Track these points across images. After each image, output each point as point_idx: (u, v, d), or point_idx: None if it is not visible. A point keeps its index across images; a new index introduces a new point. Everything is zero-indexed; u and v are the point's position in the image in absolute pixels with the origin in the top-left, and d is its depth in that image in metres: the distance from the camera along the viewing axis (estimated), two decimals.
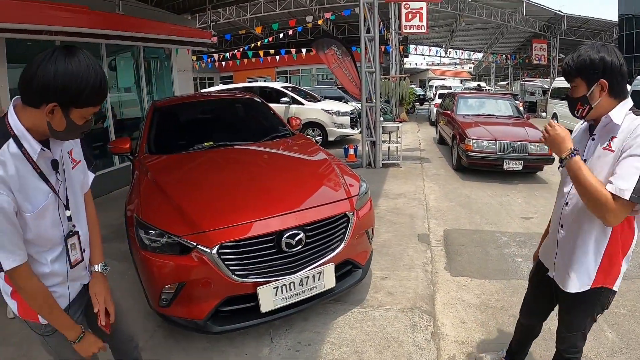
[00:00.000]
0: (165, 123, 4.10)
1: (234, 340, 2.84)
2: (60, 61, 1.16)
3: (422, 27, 13.85)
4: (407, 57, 32.79)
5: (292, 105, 9.77)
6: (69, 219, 1.42)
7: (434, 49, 34.37)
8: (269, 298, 2.55)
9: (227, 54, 14.01)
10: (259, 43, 13.62)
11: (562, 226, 1.80)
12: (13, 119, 1.23)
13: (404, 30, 13.91)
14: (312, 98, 10.55)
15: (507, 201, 5.84)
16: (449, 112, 8.87)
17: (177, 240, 2.49)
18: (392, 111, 13.76)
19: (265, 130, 4.28)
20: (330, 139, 9.79)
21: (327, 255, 2.74)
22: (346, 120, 9.81)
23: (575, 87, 1.60)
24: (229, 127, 4.37)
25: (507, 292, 3.43)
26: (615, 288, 1.72)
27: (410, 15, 13.55)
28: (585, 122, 1.76)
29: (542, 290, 2.02)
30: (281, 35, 12.88)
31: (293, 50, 14.30)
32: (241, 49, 13.25)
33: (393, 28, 14.40)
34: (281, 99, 9.84)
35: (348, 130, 9.84)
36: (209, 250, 2.43)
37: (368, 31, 7.35)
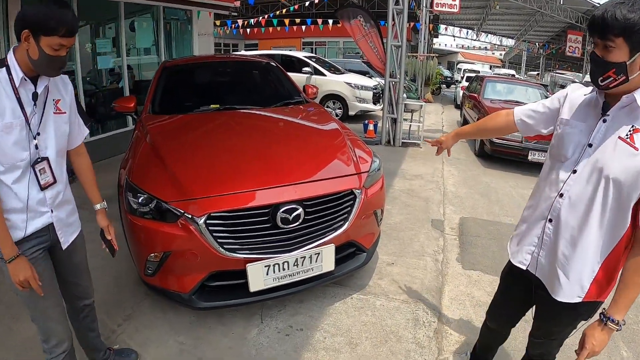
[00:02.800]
0: (173, 83, 3.80)
1: (223, 317, 2.62)
2: (44, 3, 1.39)
3: (454, 7, 12.94)
4: (437, 37, 31.19)
5: (313, 76, 9.32)
6: (36, 147, 1.54)
7: (464, 30, 32.55)
8: (259, 277, 2.28)
9: (252, 20, 13.46)
10: (284, 11, 12.95)
11: (550, 220, 1.45)
12: (10, 54, 1.49)
13: (435, 8, 13.02)
14: (335, 70, 10.03)
15: (529, 194, 5.32)
16: (475, 95, 8.25)
17: (165, 207, 2.24)
18: (417, 90, 13.06)
19: (277, 96, 3.91)
20: (351, 113, 9.31)
21: (328, 235, 2.43)
22: (368, 95, 9.28)
23: (612, 49, 1.18)
24: (239, 90, 4.02)
25: None
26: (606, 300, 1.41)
27: None
28: (596, 94, 1.35)
29: (515, 292, 1.72)
30: (307, 3, 12.16)
31: (319, 21, 13.56)
32: (266, 17, 12.64)
33: (424, 5, 13.49)
34: (303, 69, 9.38)
35: (369, 106, 9.33)
36: (196, 219, 2.17)
37: (397, 3, 6.75)
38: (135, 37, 6.72)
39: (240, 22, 13.70)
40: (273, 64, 4.43)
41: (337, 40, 23.24)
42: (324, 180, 2.47)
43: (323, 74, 9.47)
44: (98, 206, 1.91)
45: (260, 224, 2.27)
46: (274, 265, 2.30)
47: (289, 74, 8.91)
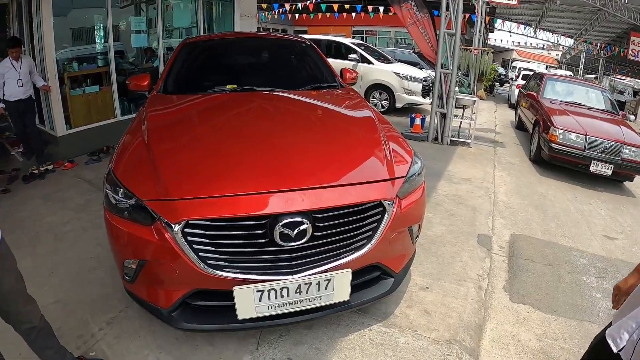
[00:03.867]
0: (191, 61, 3.32)
1: (213, 337, 2.16)
2: None
3: None
4: (493, 32, 28.86)
5: (360, 64, 8.58)
6: None
7: (521, 26, 29.80)
8: (249, 303, 1.76)
9: (299, 4, 12.81)
10: None
11: None
12: None
13: (492, 0, 11.70)
14: (384, 59, 9.22)
15: (589, 211, 4.49)
16: (533, 94, 7.19)
17: (141, 206, 1.77)
18: (470, 86, 11.90)
19: (306, 78, 3.33)
20: (398, 105, 8.49)
21: (344, 258, 1.85)
22: (418, 87, 8.40)
23: None
24: (263, 69, 3.48)
25: (577, 340, 2.36)
26: None
27: None
28: None
29: None
30: None
31: (370, 8, 12.61)
32: (314, 1, 11.95)
33: None
34: (349, 56, 8.67)
35: (418, 99, 8.46)
36: (172, 227, 1.67)
37: None
38: (172, 16, 6.38)
39: (287, 6, 13.09)
40: (306, 43, 3.82)
41: (388, 30, 21.99)
42: (344, 186, 1.87)
43: (370, 62, 8.70)
44: None
45: (252, 238, 1.74)
46: (269, 291, 1.76)
47: (335, 60, 8.51)
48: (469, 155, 5.81)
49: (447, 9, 5.88)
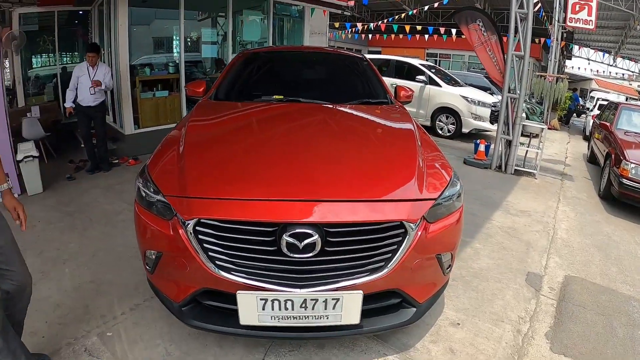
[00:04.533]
0: (244, 70, 3.40)
1: (224, 339, 2.10)
2: None
3: (590, 23, 10.35)
4: (570, 59, 26.32)
5: (427, 86, 8.30)
6: None
7: (599, 54, 26.60)
8: (252, 310, 1.67)
9: (371, 24, 12.79)
10: (402, 15, 11.91)
11: None
12: None
13: (568, 24, 10.62)
14: (453, 82, 8.82)
15: None
16: (607, 124, 6.31)
17: (163, 200, 1.80)
18: (542, 114, 10.88)
19: (356, 93, 3.23)
20: (464, 130, 8.02)
21: (357, 279, 1.69)
22: (486, 112, 7.87)
23: None
24: (312, 82, 3.45)
25: None
26: None
27: (577, 6, 10.24)
28: None
29: None
30: (426, 8, 10.89)
31: (442, 30, 12.18)
32: (385, 21, 11.84)
33: (556, 19, 11.15)
34: (417, 77, 8.41)
35: (486, 125, 7.90)
36: (185, 223, 1.67)
37: (521, 6, 5.42)
38: (242, 30, 6.71)
39: (359, 25, 13.18)
40: (363, 58, 3.74)
41: (462, 54, 21.12)
42: (363, 201, 1.72)
43: (438, 85, 8.36)
44: (4, 186, 1.77)
45: (260, 245, 1.66)
46: (272, 301, 1.65)
47: (402, 81, 8.39)
48: (532, 187, 5.21)
49: (516, 32, 5.45)
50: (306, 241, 1.59)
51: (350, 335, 1.84)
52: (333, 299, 1.65)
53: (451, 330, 2.25)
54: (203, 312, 1.85)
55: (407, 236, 1.69)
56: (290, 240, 1.59)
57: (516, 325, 2.36)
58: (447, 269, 1.99)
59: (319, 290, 1.64)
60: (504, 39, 5.82)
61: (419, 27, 12.28)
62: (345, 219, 1.63)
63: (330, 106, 2.79)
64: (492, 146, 6.14)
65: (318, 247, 1.60)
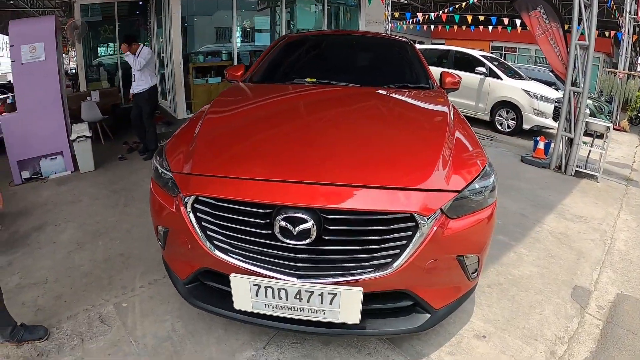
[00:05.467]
0: (282, 53, 3.28)
1: (231, 324, 2.04)
2: None
3: None
4: None
5: (487, 78, 7.61)
6: None
7: None
8: (245, 294, 1.56)
9: (432, 14, 11.99)
10: (464, 5, 10.94)
11: None
12: None
13: None
14: (515, 75, 8.02)
15: None
16: None
17: (172, 178, 1.75)
18: (611, 114, 9.50)
19: (395, 77, 2.95)
20: (525, 126, 7.24)
21: (357, 274, 1.50)
22: (549, 108, 7.01)
23: None
24: (349, 65, 3.22)
25: None
26: None
27: None
28: None
29: None
30: None
31: (505, 21, 11.00)
32: (446, 10, 11.02)
33: (627, 11, 9.57)
34: (476, 69, 7.74)
35: (548, 121, 7.06)
36: (185, 200, 1.61)
37: None
38: (297, 18, 6.61)
39: (420, 15, 12.44)
40: (407, 43, 3.44)
41: (528, 48, 19.14)
42: (368, 188, 1.50)
43: (499, 77, 7.65)
44: None
45: (255, 227, 1.53)
46: (265, 288, 1.53)
47: (462, 72, 7.76)
48: (592, 190, 4.50)
49: (580, 22, 4.74)
50: (300, 227, 1.43)
51: (353, 335, 1.65)
52: (330, 294, 1.48)
53: (474, 343, 1.96)
54: (205, 292, 1.80)
55: (419, 231, 1.46)
56: (284, 224, 1.44)
57: (551, 345, 2.00)
58: (473, 273, 1.72)
59: (315, 282, 1.48)
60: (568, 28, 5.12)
61: (481, 18, 11.30)
62: (345, 205, 1.44)
63: (363, 89, 2.59)
64: (552, 144, 5.47)
65: (314, 235, 1.44)
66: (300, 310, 1.53)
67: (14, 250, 2.77)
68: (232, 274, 1.54)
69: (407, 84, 2.76)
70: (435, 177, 1.55)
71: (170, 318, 2.09)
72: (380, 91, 2.57)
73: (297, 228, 1.43)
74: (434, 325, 1.68)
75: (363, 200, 1.45)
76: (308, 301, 1.50)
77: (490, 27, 11.94)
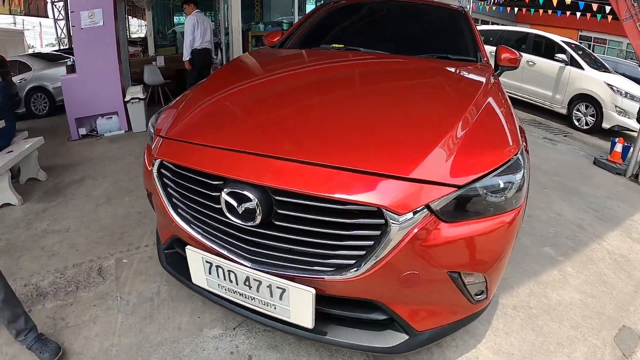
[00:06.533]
0: (318, 20, 2.92)
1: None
2: None
3: None
4: None
5: (568, 67, 6.44)
6: None
7: None
8: (200, 271, 1.36)
9: None
10: None
11: None
12: None
13: None
14: (599, 66, 6.66)
15: None
16: None
17: (151, 139, 1.61)
18: None
19: (436, 48, 2.43)
20: (605, 125, 5.99)
21: (313, 272, 1.18)
22: (634, 107, 5.67)
23: None
24: (388, 33, 2.71)
25: None
26: None
27: None
28: None
29: None
30: None
31: (594, 7, 8.96)
32: None
33: None
34: (556, 55, 6.57)
35: (631, 122, 5.73)
36: (153, 163, 1.44)
37: None
38: None
39: None
40: (460, 12, 2.83)
41: (620, 41, 15.98)
42: (327, 168, 1.13)
43: (580, 67, 6.39)
44: None
45: (207, 199, 1.30)
46: (217, 267, 1.29)
47: (540, 58, 6.81)
48: None
49: None
50: (244, 205, 1.15)
51: (310, 339, 1.33)
52: (278, 288, 1.19)
53: None
54: (178, 260, 1.63)
55: (389, 232, 1.08)
56: (229, 199, 1.17)
57: None
58: (478, 295, 1.30)
59: (266, 271, 1.20)
60: None
61: (568, 1, 9.46)
62: (295, 186, 1.10)
63: (391, 58, 2.16)
64: (631, 148, 4.39)
65: (258, 217, 1.15)
66: (251, 299, 1.28)
67: (52, 199, 2.89)
68: (188, 247, 1.34)
69: (448, 55, 2.24)
70: (428, 165, 1.13)
71: (159, 280, 1.99)
72: (410, 61, 2.11)
73: (242, 207, 1.15)
74: (413, 350, 1.29)
75: (321, 183, 1.10)
76: (257, 291, 1.24)
77: (578, 14, 10.04)
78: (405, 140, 1.23)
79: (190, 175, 1.30)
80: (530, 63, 6.91)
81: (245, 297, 1.28)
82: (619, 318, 1.91)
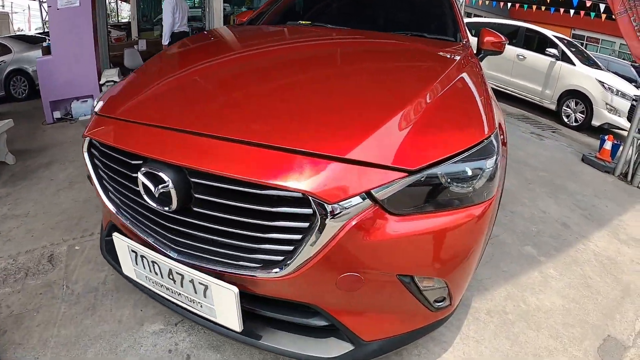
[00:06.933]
0: None
1: None
2: None
3: None
4: None
5: (559, 62, 6.23)
6: None
7: None
8: (128, 261, 1.18)
9: None
10: None
11: None
12: None
13: None
14: (591, 63, 6.46)
15: None
16: None
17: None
18: None
19: (411, 26, 2.18)
20: (595, 122, 5.81)
21: (239, 268, 0.98)
22: (624, 106, 5.50)
23: None
24: (358, 11, 2.48)
25: None
26: None
27: None
28: None
29: None
30: None
31: (587, 3, 8.67)
32: None
33: None
34: (547, 50, 6.37)
35: (621, 121, 5.56)
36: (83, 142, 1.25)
37: None
38: None
39: None
40: None
41: (613, 41, 15.87)
42: (258, 147, 0.92)
43: (571, 63, 6.18)
44: None
45: (129, 180, 1.10)
46: (141, 257, 1.10)
47: (532, 53, 6.55)
48: None
49: None
50: (159, 188, 0.95)
51: (245, 344, 1.13)
52: (201, 284, 0.99)
53: None
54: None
55: (317, 224, 0.87)
56: (145, 181, 0.97)
57: None
58: (438, 302, 1.10)
59: (188, 264, 1.01)
60: None
61: None
62: (210, 166, 0.90)
63: (359, 35, 1.94)
64: (621, 147, 4.21)
65: (175, 201, 0.95)
66: (178, 295, 1.08)
67: (18, 183, 2.70)
68: (115, 234, 1.15)
69: (423, 34, 2.01)
70: (372, 144, 0.92)
71: (107, 269, 1.81)
72: (379, 38, 1.89)
73: (158, 190, 0.95)
74: None
75: (237, 162, 0.90)
76: (182, 286, 1.04)
77: (571, 12, 9.81)
78: (352, 119, 1.02)
79: (113, 154, 1.11)
80: (520, 57, 6.68)
81: (172, 292, 1.08)
82: (604, 327, 1.71)
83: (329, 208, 0.85)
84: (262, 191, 0.87)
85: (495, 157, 1.03)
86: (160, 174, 0.93)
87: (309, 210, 0.86)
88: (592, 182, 3.59)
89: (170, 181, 0.92)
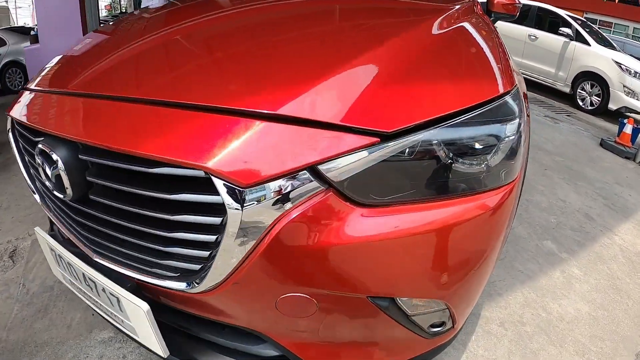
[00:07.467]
0: None
1: None
2: None
3: None
4: None
5: (573, 42, 5.74)
6: None
7: None
8: (51, 259, 0.93)
9: None
10: None
11: None
12: None
13: None
14: (606, 43, 5.97)
15: None
16: None
17: None
18: None
19: None
20: (611, 106, 5.36)
21: (156, 277, 0.67)
22: None
23: None
24: None
25: None
26: None
27: None
28: None
29: None
30: None
31: None
32: None
33: None
34: (560, 29, 5.86)
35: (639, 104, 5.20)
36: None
37: None
38: None
39: None
40: None
41: (626, 24, 15.11)
42: (157, 106, 0.62)
43: (586, 43, 5.68)
44: None
45: (34, 161, 0.84)
46: (59, 257, 0.85)
47: (545, 33, 6.00)
48: None
49: None
50: (51, 169, 0.69)
51: None
52: (112, 295, 0.72)
53: None
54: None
55: (229, 219, 0.56)
56: (39, 161, 0.73)
57: None
58: (436, 327, 0.78)
59: (100, 269, 0.74)
60: None
61: None
62: (99, 140, 0.62)
63: None
64: None
65: (69, 186, 0.69)
66: (98, 305, 0.82)
67: None
68: (36, 228, 0.93)
69: None
70: (321, 96, 0.61)
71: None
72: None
73: (51, 171, 0.69)
74: None
75: (128, 129, 0.62)
76: (99, 295, 0.77)
77: None
78: (297, 68, 0.70)
79: (23, 131, 0.86)
80: (532, 37, 6.18)
81: (92, 301, 0.83)
82: (636, 339, 1.39)
83: (243, 194, 0.54)
84: (151, 169, 0.57)
85: (517, 122, 0.70)
86: (52, 152, 0.67)
87: (218, 199, 0.56)
88: (612, 168, 3.22)
89: (60, 160, 0.66)
